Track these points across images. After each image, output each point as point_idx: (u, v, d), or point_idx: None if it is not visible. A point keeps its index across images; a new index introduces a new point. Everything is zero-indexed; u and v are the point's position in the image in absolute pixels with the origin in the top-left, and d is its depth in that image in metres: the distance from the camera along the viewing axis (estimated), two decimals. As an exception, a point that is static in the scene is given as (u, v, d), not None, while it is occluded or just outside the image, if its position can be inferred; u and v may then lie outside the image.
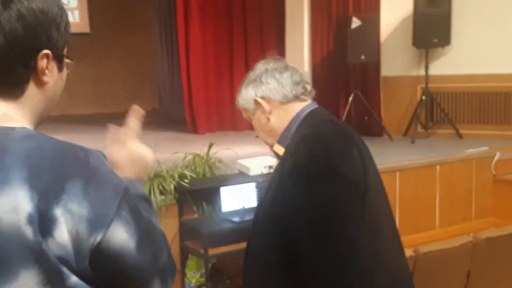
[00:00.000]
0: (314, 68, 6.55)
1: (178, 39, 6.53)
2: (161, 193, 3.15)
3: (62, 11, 1.00)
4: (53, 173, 0.88)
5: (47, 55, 0.97)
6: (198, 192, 3.25)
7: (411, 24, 5.69)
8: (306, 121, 1.61)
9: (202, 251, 3.06)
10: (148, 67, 9.55)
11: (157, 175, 3.18)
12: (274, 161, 2.55)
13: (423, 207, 4.17)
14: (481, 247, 2.84)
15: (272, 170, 2.66)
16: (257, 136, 1.76)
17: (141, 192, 1.12)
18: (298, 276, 1.40)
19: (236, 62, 6.90)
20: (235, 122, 6.60)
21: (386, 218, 1.61)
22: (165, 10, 8.30)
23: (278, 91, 1.64)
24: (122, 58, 9.64)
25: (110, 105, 9.31)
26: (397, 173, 4.05)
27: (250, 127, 1.78)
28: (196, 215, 3.29)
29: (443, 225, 4.23)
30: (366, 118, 5.96)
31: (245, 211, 3.25)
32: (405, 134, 5.82)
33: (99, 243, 0.89)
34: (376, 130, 5.96)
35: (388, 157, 4.39)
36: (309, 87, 1.69)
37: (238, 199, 3.28)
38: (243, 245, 1.70)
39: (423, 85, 5.68)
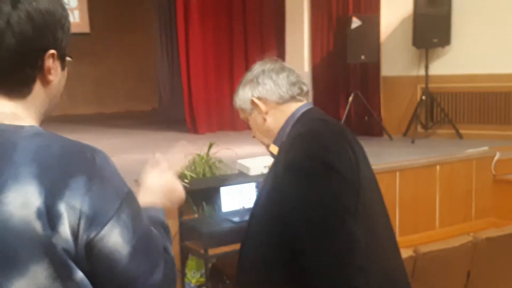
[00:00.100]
0: (314, 68, 6.54)
1: (178, 39, 6.53)
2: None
3: (65, 11, 1.01)
4: (59, 170, 0.89)
5: (53, 55, 0.99)
6: (198, 192, 3.24)
7: (411, 24, 5.68)
8: (301, 121, 1.61)
9: (202, 251, 3.06)
10: (148, 67, 9.55)
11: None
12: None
13: (423, 207, 4.16)
14: (481, 247, 2.83)
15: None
16: (253, 137, 1.77)
17: (161, 219, 1.13)
18: (297, 275, 1.40)
19: (236, 62, 6.89)
20: (235, 122, 6.59)
21: (381, 218, 1.61)
22: (165, 10, 8.31)
23: (275, 91, 1.65)
24: (122, 58, 9.64)
25: (110, 105, 9.33)
26: (397, 173, 4.04)
27: (250, 127, 1.78)
28: (196, 215, 3.28)
29: (443, 225, 4.23)
30: (366, 118, 5.95)
31: (245, 211, 3.24)
32: (405, 134, 5.82)
33: (92, 240, 0.89)
34: (376, 130, 5.96)
35: (388, 157, 4.38)
36: (305, 88, 1.70)
37: (238, 199, 3.27)
38: (243, 245, 1.69)
39: (423, 85, 5.67)
